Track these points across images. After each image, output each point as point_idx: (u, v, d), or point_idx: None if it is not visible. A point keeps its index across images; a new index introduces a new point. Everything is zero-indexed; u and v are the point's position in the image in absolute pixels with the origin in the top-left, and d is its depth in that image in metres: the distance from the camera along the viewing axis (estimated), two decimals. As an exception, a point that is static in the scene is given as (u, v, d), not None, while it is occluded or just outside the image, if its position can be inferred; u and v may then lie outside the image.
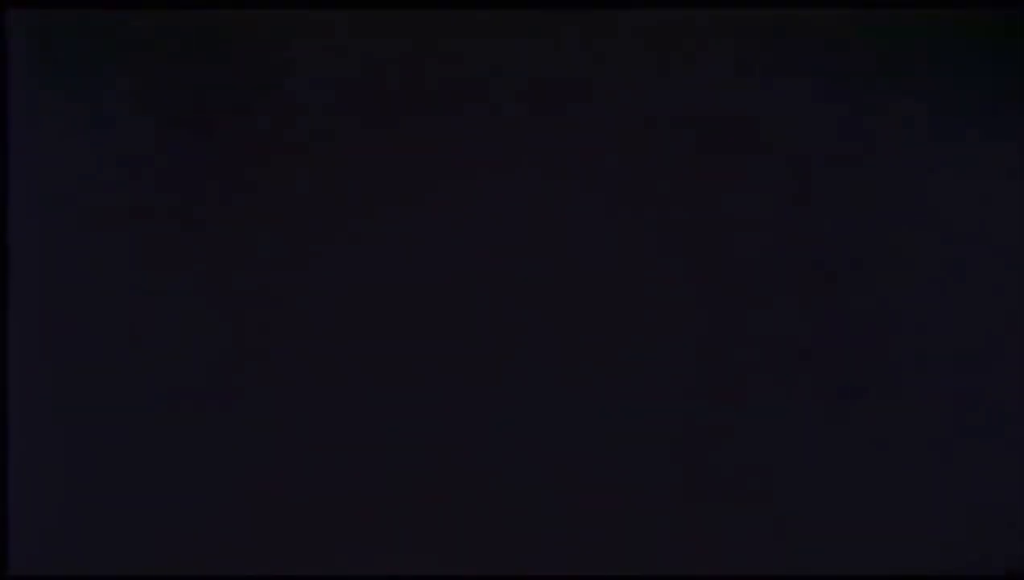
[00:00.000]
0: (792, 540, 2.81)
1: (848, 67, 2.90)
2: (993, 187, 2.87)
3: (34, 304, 2.82)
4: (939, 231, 2.87)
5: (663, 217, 2.87)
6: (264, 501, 2.79)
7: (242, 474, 2.80)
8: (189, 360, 2.82)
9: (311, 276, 2.85)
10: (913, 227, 2.87)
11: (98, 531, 2.79)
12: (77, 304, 2.82)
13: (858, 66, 2.90)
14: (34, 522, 2.78)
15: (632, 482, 2.82)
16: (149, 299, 2.83)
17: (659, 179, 2.87)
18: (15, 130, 2.85)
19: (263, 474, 2.80)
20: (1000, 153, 2.88)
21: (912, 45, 2.90)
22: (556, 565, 2.80)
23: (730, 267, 2.86)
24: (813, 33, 2.90)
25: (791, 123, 2.88)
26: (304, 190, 2.86)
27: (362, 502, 2.80)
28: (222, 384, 2.81)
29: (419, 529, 2.80)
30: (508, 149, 2.87)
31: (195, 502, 2.79)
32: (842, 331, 2.84)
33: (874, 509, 2.82)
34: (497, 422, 2.82)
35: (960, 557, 2.81)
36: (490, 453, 2.82)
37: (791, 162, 2.87)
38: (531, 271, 2.86)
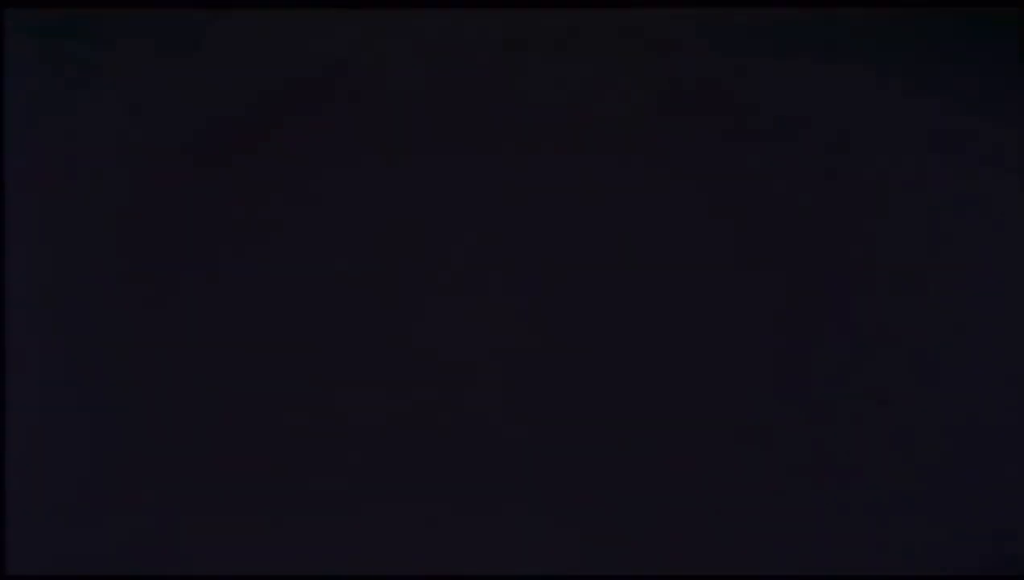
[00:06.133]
0: (796, 541, 2.81)
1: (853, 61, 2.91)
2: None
3: (33, 304, 2.82)
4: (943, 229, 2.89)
5: (671, 211, 2.88)
6: (265, 500, 2.79)
7: (243, 474, 2.80)
8: (189, 359, 2.82)
9: (313, 276, 2.85)
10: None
11: (98, 531, 2.78)
12: (76, 304, 2.82)
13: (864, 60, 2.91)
14: (34, 522, 2.78)
15: (642, 479, 2.82)
16: (149, 298, 2.83)
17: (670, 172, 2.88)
18: (13, 130, 2.86)
19: (265, 474, 2.80)
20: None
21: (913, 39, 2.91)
22: (560, 563, 2.80)
23: (737, 266, 2.86)
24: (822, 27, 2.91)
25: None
26: (304, 184, 2.86)
27: (362, 505, 2.80)
28: (222, 383, 2.81)
29: (424, 523, 2.81)
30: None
31: (195, 502, 2.79)
32: (849, 333, 2.85)
33: (876, 511, 2.83)
34: (500, 422, 2.83)
35: (961, 557, 2.81)
36: (492, 449, 2.82)
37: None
38: (539, 263, 2.86)
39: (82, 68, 2.87)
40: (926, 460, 2.83)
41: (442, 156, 2.87)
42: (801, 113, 2.88)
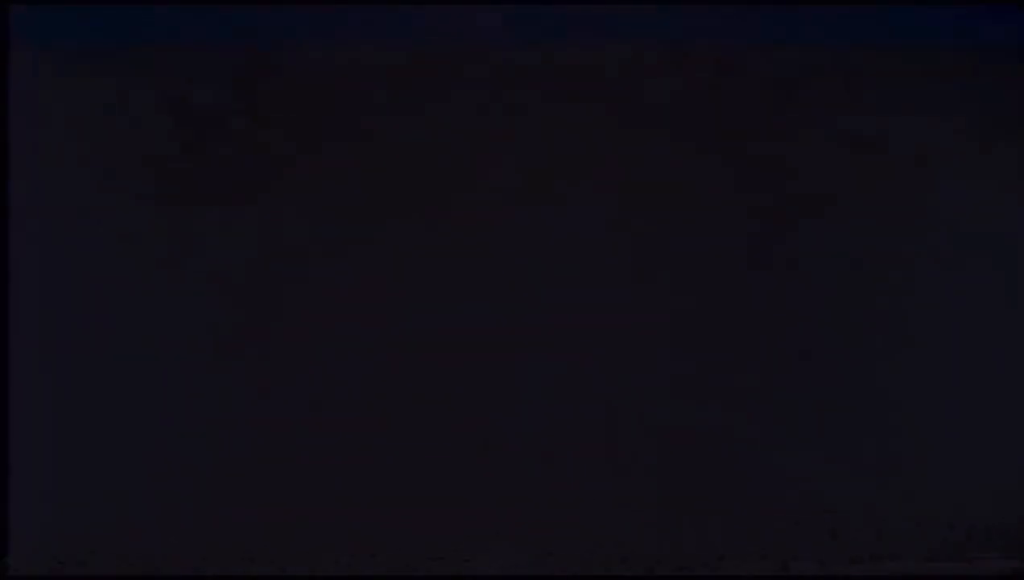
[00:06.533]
0: (787, 538, 2.81)
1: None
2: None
3: (34, 304, 2.82)
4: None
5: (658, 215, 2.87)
6: (266, 501, 2.80)
7: (244, 474, 2.81)
8: (190, 359, 2.82)
9: (312, 275, 2.85)
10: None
11: (98, 531, 2.79)
12: (77, 303, 2.83)
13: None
14: (34, 522, 2.79)
15: (629, 477, 2.82)
16: (150, 298, 2.83)
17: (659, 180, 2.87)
18: (16, 129, 2.86)
19: (265, 474, 2.81)
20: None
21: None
22: (555, 562, 2.81)
23: (730, 264, 2.86)
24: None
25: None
26: (306, 186, 2.86)
27: (365, 512, 2.81)
28: (223, 382, 2.82)
29: (422, 525, 2.82)
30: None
31: (195, 502, 2.80)
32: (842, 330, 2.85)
33: (873, 506, 2.83)
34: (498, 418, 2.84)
35: (960, 556, 2.81)
36: (490, 446, 2.83)
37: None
38: (531, 272, 2.86)
39: (88, 64, 2.87)
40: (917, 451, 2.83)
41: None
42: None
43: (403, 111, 2.86)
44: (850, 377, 2.85)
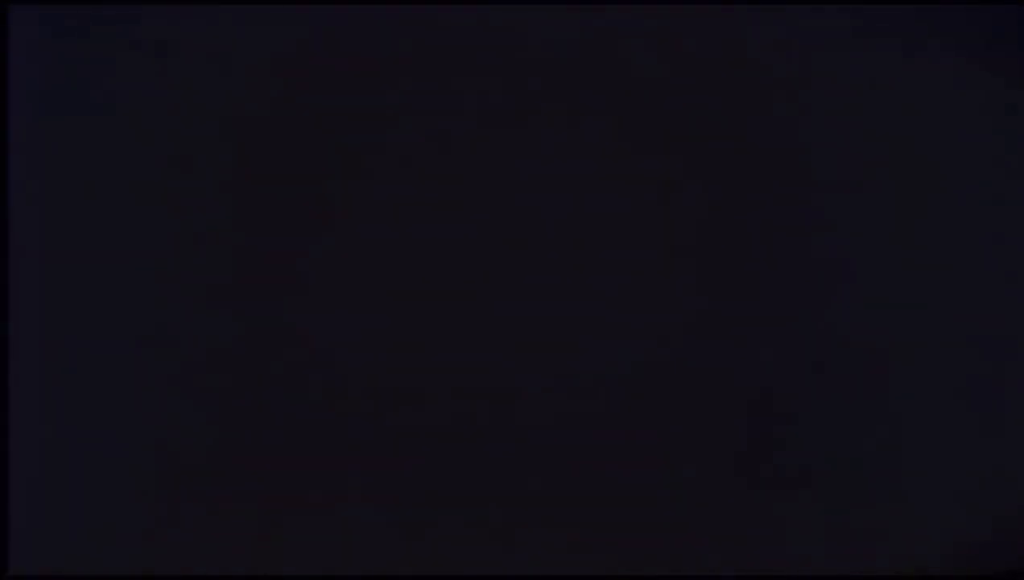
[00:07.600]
0: (788, 539, 2.81)
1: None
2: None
3: (34, 304, 2.83)
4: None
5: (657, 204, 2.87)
6: (269, 502, 2.80)
7: (244, 475, 2.81)
8: (191, 358, 2.83)
9: (311, 274, 2.85)
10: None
11: (98, 531, 2.80)
12: (78, 303, 2.83)
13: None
14: (34, 522, 2.79)
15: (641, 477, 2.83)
16: (151, 298, 2.84)
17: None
18: (15, 129, 2.86)
19: (269, 475, 2.81)
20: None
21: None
22: (560, 563, 2.81)
23: (730, 256, 2.86)
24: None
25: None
26: (306, 181, 2.87)
27: (375, 520, 2.82)
28: (224, 383, 2.82)
29: (423, 531, 2.82)
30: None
31: (197, 502, 2.80)
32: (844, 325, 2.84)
33: (875, 507, 2.83)
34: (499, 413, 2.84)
35: (961, 556, 2.81)
36: (491, 444, 2.83)
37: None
38: (531, 263, 2.86)
39: (88, 64, 2.87)
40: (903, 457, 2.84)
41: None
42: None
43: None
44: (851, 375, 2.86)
